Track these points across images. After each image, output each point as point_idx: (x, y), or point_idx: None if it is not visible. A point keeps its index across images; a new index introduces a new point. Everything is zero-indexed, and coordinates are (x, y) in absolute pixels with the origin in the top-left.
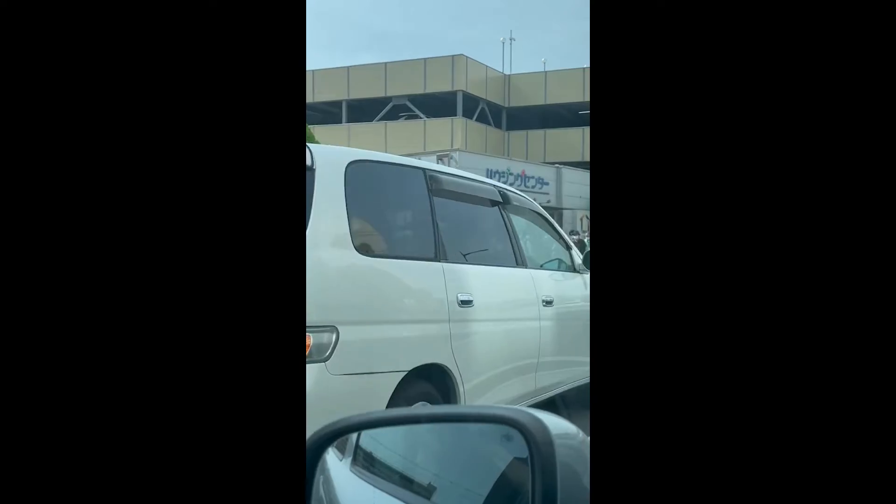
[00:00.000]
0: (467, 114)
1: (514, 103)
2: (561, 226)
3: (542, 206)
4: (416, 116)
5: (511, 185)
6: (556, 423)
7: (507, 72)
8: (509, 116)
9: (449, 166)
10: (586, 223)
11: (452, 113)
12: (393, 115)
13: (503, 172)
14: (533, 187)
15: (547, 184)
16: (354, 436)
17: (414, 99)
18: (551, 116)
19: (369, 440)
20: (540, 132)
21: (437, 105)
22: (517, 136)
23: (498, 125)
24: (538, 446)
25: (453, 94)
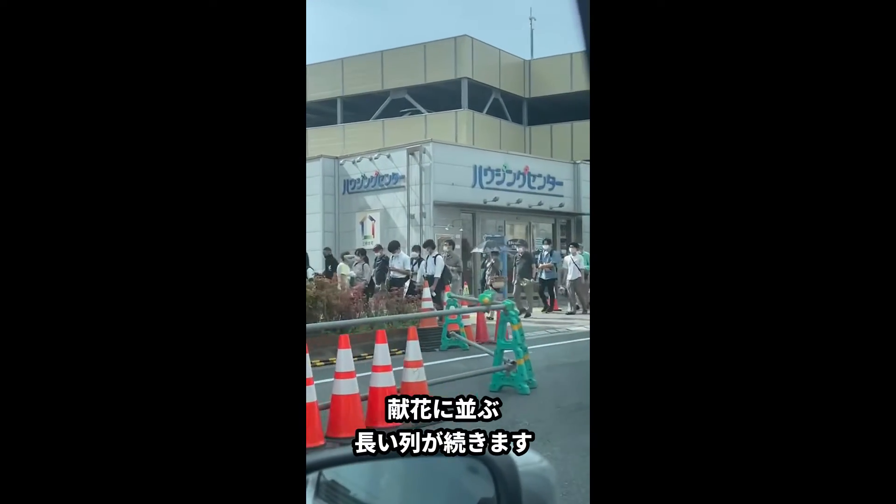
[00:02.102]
0: (475, 105)
1: (536, 93)
2: (580, 237)
3: (555, 212)
4: (419, 112)
5: (510, 185)
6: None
7: (526, 57)
8: (531, 109)
9: (420, 163)
10: None
11: (457, 105)
12: (393, 110)
13: (497, 170)
14: (540, 188)
15: (560, 184)
16: (319, 474)
17: (414, 91)
18: (579, 107)
19: (333, 472)
20: (566, 126)
21: (440, 97)
22: (540, 130)
23: (517, 119)
24: (503, 476)
25: (457, 82)
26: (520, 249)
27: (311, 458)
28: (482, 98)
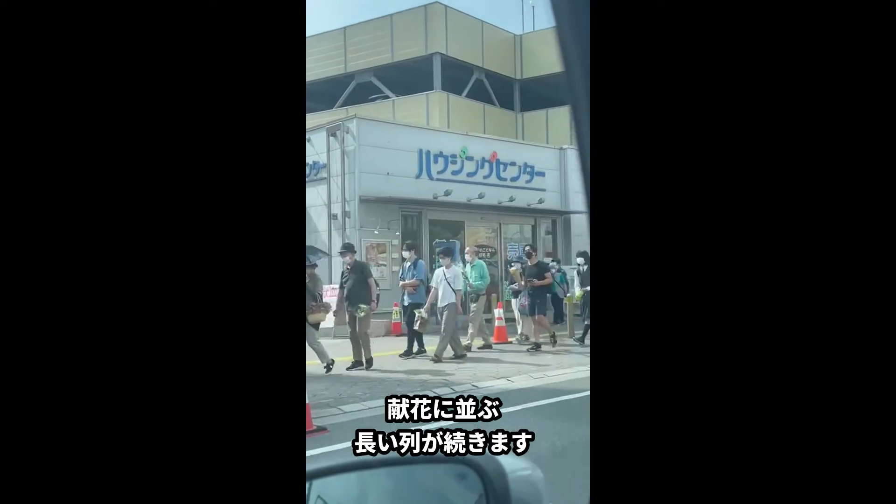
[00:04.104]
0: (452, 87)
1: (530, 73)
2: (568, 241)
3: (533, 209)
4: (387, 97)
5: (470, 175)
6: (508, 460)
7: (517, 31)
8: (524, 91)
9: (343, 146)
10: None
11: (429, 87)
12: (359, 95)
13: (452, 156)
14: (514, 179)
15: (541, 174)
16: (307, 485)
17: (381, 72)
18: None
19: (322, 487)
20: (563, 109)
21: (410, 79)
22: (534, 117)
23: (507, 104)
24: (493, 483)
25: (428, 59)
26: (347, 258)
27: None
28: (461, 79)
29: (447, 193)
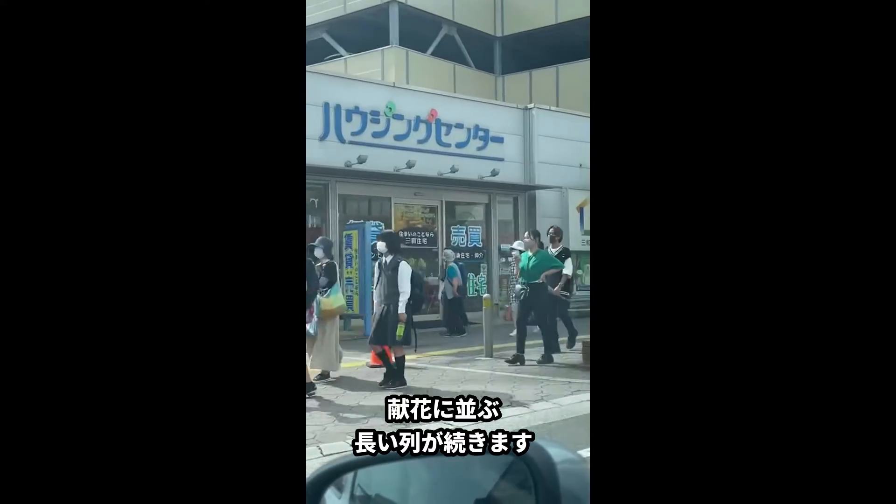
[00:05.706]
0: (414, 42)
1: (512, 30)
2: (532, 223)
3: (486, 183)
4: (340, 56)
5: (400, 138)
6: (558, 451)
7: None
8: (505, 50)
9: None
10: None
11: (386, 42)
12: (312, 56)
13: (373, 113)
14: (461, 146)
15: (499, 140)
16: (352, 473)
17: (334, 28)
18: (567, 43)
19: (366, 477)
20: (549, 70)
21: (366, 35)
22: (517, 80)
23: (484, 65)
24: (541, 474)
25: (384, 9)
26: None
27: (335, 463)
28: (427, 34)
29: (361, 161)
